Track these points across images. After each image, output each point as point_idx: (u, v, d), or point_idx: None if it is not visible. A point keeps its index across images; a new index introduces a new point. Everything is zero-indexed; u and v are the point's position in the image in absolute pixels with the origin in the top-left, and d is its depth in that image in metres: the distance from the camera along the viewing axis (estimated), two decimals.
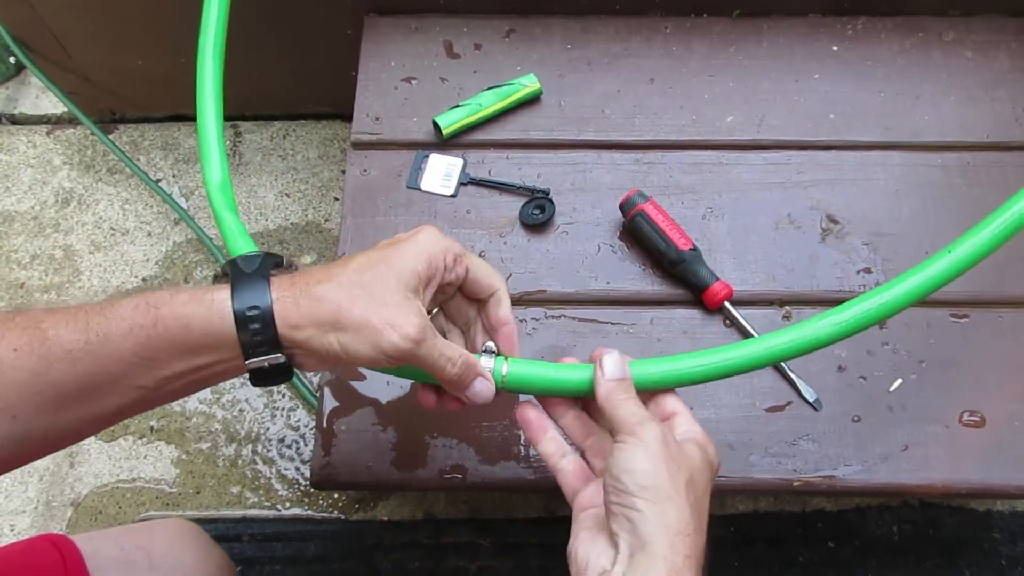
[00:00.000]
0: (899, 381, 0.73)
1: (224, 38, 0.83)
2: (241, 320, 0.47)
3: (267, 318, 0.47)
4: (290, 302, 0.48)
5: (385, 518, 0.99)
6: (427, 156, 0.85)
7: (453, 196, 0.83)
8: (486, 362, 0.55)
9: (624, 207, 0.78)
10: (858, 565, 0.93)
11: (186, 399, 1.05)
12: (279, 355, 0.49)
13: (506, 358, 0.55)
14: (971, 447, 0.71)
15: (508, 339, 0.57)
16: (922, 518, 0.96)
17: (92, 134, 1.17)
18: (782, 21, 0.91)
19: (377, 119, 0.88)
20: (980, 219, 0.79)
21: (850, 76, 0.88)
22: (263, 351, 0.48)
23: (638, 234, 0.78)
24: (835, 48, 0.90)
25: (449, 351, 0.52)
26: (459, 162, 0.84)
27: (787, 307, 0.77)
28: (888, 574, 0.93)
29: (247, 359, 0.48)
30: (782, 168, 0.83)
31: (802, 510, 0.98)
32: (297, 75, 1.14)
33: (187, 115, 1.21)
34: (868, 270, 0.78)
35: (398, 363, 0.50)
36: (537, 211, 0.81)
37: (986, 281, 0.75)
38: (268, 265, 0.50)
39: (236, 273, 0.49)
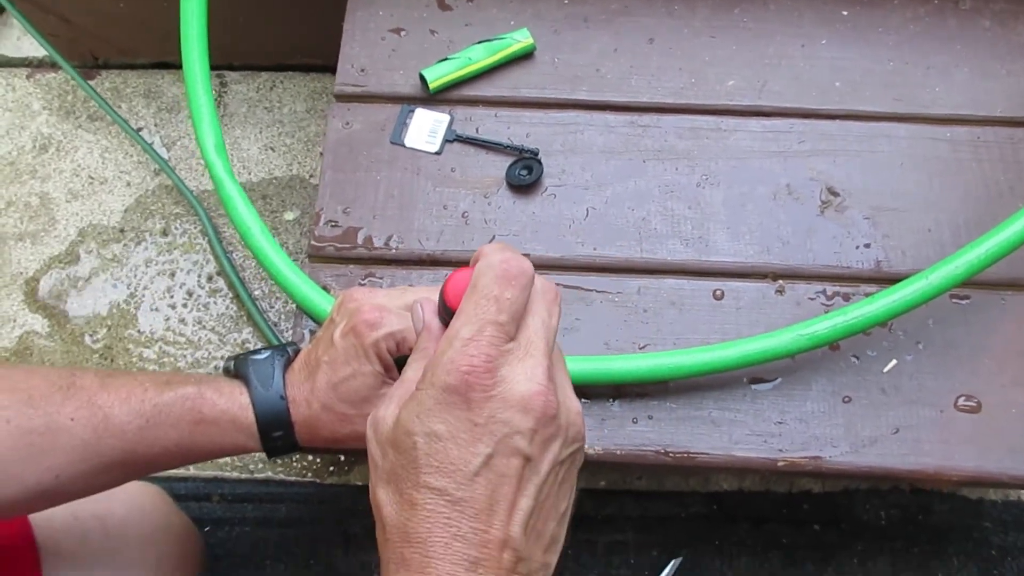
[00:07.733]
0: (894, 362, 0.70)
1: None
2: (267, 440, 0.56)
3: (289, 437, 0.56)
4: (303, 428, 0.56)
5: (360, 483, 0.96)
6: (412, 111, 0.81)
7: (438, 153, 0.79)
8: None
9: None
10: (843, 548, 0.91)
11: (167, 352, 1.03)
12: (296, 451, 0.58)
13: None
14: (965, 433, 0.68)
15: None
16: (912, 503, 0.93)
17: (73, 79, 1.13)
18: None
19: (362, 71, 0.84)
20: (987, 197, 0.77)
21: (859, 43, 0.84)
22: (284, 451, 0.57)
23: None
24: (845, 13, 0.85)
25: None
26: (446, 118, 0.81)
27: (780, 281, 0.74)
28: (874, 559, 0.90)
29: (270, 457, 0.58)
30: (783, 136, 0.80)
31: (788, 491, 0.95)
32: (286, 25, 1.10)
33: (171, 63, 1.17)
34: (867, 245, 0.75)
35: None
36: (524, 172, 0.77)
37: None
38: (281, 374, 0.56)
39: (256, 393, 0.55)
